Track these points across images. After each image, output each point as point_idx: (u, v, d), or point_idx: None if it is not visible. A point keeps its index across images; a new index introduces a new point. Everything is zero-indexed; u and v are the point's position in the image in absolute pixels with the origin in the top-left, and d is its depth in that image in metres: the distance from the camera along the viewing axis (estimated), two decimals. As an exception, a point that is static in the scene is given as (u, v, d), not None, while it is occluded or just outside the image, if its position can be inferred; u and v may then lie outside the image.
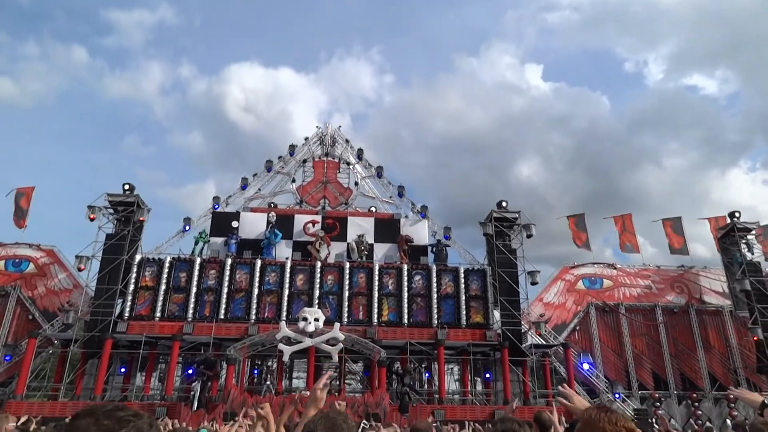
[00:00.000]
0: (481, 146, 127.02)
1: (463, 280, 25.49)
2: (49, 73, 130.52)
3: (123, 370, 24.32)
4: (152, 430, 1.04)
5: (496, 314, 25.21)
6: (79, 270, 24.51)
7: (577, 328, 29.09)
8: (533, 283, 26.41)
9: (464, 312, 24.98)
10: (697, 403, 26.85)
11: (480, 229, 26.98)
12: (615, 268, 31.13)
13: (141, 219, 24.72)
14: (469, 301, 25.27)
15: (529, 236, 26.30)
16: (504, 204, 26.83)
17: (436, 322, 24.59)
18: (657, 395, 26.98)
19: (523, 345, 24.54)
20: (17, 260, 27.34)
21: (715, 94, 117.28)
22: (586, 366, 27.15)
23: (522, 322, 25.38)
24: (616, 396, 26.29)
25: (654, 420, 23.68)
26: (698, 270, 30.92)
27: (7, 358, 24.43)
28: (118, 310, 23.61)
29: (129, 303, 23.53)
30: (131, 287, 23.74)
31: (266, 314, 24.09)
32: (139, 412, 1.05)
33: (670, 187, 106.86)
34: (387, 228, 27.89)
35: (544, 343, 26.17)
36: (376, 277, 25.14)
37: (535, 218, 27.73)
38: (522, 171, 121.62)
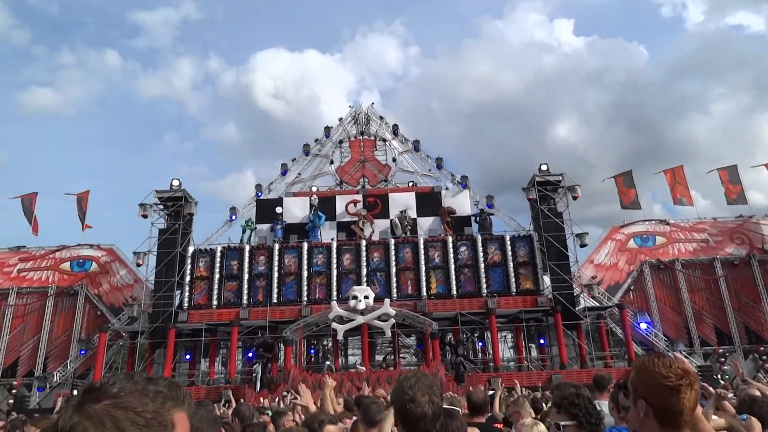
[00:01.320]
0: (514, 110, 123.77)
1: (509, 248, 25.26)
2: (87, 80, 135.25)
3: (188, 357, 25.49)
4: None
5: (546, 279, 24.91)
6: (138, 265, 25.78)
7: (632, 287, 28.41)
8: (582, 246, 25.96)
9: (513, 279, 24.82)
10: (765, 357, 25.89)
11: (522, 195, 26.58)
12: (668, 224, 30.05)
13: (190, 212, 25.65)
14: (517, 268, 25.07)
15: (574, 198, 25.77)
16: (545, 167, 26.30)
17: (485, 291, 24.56)
18: (721, 350, 26.15)
19: (576, 308, 24.21)
20: (81, 260, 28.95)
21: (762, 32, 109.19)
22: (643, 325, 26.55)
23: (573, 286, 24.98)
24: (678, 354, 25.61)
25: (719, 375, 22.99)
26: (759, 218, 29.42)
27: (82, 352, 26.15)
28: (177, 301, 24.67)
29: (187, 293, 24.51)
30: (187, 278, 24.68)
31: (317, 295, 24.61)
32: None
33: (719, 134, 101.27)
34: (428, 201, 27.84)
35: (598, 305, 25.73)
36: (422, 251, 25.19)
37: (577, 179, 27.01)
38: (559, 132, 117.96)
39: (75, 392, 21.09)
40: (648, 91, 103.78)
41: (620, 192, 28.90)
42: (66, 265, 28.80)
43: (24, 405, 22.97)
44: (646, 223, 29.98)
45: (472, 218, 27.42)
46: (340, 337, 22.36)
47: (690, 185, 29.46)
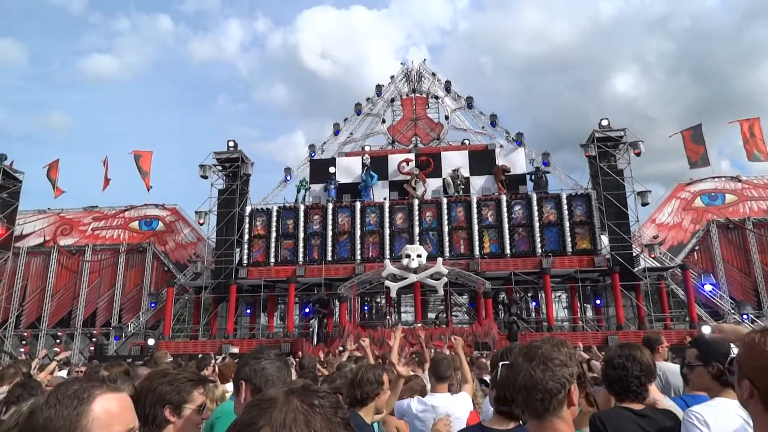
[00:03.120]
0: (569, 63, 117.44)
1: (566, 207, 24.75)
2: (142, 45, 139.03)
3: (248, 311, 26.79)
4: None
5: (604, 239, 24.37)
6: (200, 224, 27.13)
7: (697, 248, 27.29)
8: (644, 204, 25.20)
9: (569, 239, 24.39)
10: (841, 321, 24.45)
11: (579, 152, 25.92)
12: (740, 181, 28.37)
13: (246, 173, 26.58)
14: (573, 227, 24.60)
15: (637, 154, 24.77)
16: (606, 122, 25.32)
17: (540, 251, 24.32)
18: (793, 314, 24.92)
19: (636, 269, 23.65)
20: (148, 220, 30.82)
21: None
22: (708, 287, 25.59)
23: (633, 246, 24.31)
24: (745, 317, 24.59)
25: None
26: (843, 175, 27.35)
27: (152, 305, 28.08)
28: (237, 258, 25.80)
29: (246, 251, 25.57)
30: (246, 237, 25.71)
31: (370, 254, 25.06)
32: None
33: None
34: (482, 159, 27.52)
35: (659, 265, 25.03)
36: (475, 210, 25.11)
37: (638, 135, 25.84)
38: (618, 85, 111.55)
39: (149, 341, 22.72)
40: (716, 37, 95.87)
41: (687, 148, 27.24)
42: (135, 224, 30.70)
43: (103, 352, 25.03)
44: (716, 180, 28.50)
45: (527, 176, 26.95)
46: (393, 294, 22.76)
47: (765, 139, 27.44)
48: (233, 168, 26.66)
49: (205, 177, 26.25)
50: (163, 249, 29.91)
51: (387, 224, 25.28)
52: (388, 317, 24.09)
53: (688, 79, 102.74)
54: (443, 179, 27.05)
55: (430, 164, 27.49)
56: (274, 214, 25.94)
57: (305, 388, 0.90)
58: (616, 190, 24.52)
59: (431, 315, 27.36)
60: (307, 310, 25.09)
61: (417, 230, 25.05)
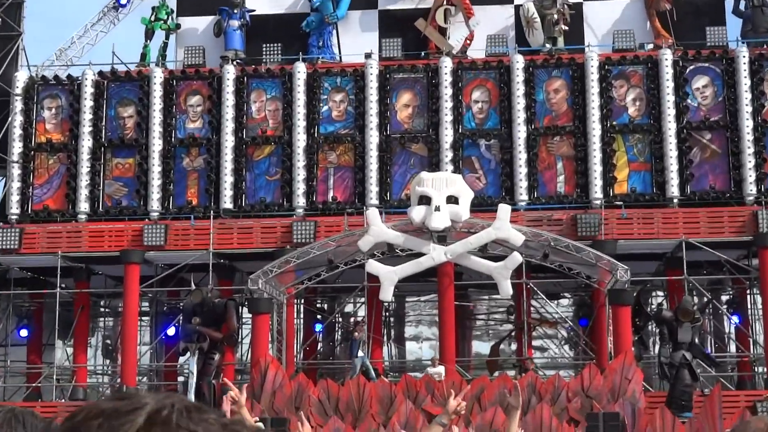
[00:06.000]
0: None
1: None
2: None
3: (24, 332, 24.76)
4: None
5: None
6: None
7: None
8: None
9: (826, 164, 25.31)
10: None
11: None
12: None
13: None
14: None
15: None
16: None
17: (753, 191, 24.20)
18: None
19: None
20: None
21: None
22: None
23: None
24: None
25: None
26: None
27: None
28: (-4, 201, 23.92)
29: (17, 184, 22.97)
30: (16, 147, 23.07)
31: (331, 193, 25.15)
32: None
33: None
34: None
35: None
36: (593, 87, 24.49)
37: None
38: None
39: None
40: None
41: None
42: None
43: None
44: None
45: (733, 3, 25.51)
46: (387, 297, 21.70)
47: None
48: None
49: None
50: None
51: (374, 119, 24.29)
52: (360, 354, 22.98)
53: None
54: (516, 7, 26.31)
55: (480, -28, 25.60)
56: (89, 87, 23.58)
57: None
58: None
59: (480, 347, 26.75)
60: (172, 331, 23.15)
61: (449, 136, 24.03)
